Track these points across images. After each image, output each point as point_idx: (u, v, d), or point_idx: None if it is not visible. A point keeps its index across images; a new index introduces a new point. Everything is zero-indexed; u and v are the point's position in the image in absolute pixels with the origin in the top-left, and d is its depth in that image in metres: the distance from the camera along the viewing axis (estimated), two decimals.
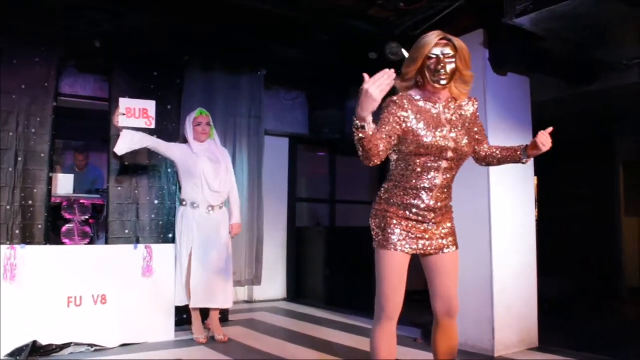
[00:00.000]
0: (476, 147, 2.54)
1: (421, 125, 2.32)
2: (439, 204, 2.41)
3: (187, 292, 4.33)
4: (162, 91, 4.83)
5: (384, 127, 2.27)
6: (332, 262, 6.77)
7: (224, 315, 5.03)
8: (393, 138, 2.29)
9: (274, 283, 6.51)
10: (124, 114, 4.11)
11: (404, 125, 2.31)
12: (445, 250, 2.45)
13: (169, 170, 4.88)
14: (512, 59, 4.16)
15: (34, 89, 4.31)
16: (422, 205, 2.38)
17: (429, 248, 2.41)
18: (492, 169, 4.06)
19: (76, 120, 6.01)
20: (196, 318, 4.42)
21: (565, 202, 7.26)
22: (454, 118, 2.41)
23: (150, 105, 4.24)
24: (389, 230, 2.38)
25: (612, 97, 5.26)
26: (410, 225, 2.38)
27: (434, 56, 2.29)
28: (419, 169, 2.36)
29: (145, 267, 4.30)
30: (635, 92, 4.80)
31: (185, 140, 4.52)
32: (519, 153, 2.46)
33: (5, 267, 3.74)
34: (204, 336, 4.37)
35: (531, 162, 4.40)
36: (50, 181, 4.34)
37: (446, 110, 2.41)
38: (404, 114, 2.32)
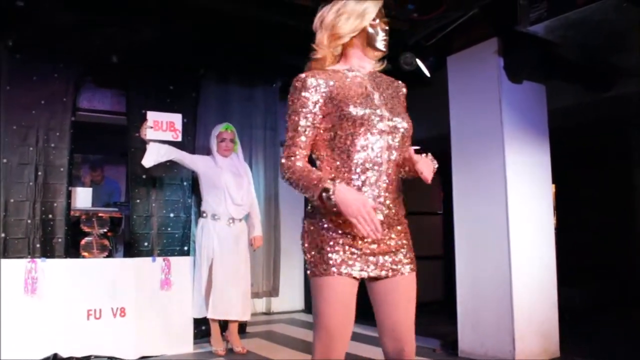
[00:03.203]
0: None
1: (344, 92, 1.85)
2: (388, 201, 1.83)
3: (206, 303, 4.35)
4: (178, 104, 4.85)
5: (299, 127, 1.88)
6: None
7: (242, 327, 5.03)
8: (311, 130, 1.88)
9: (291, 295, 6.49)
10: (152, 127, 4.16)
11: (321, 97, 1.87)
12: (400, 273, 1.85)
13: (185, 183, 4.90)
14: (528, 66, 4.14)
15: (53, 104, 4.39)
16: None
17: (378, 269, 1.82)
18: (510, 176, 4.04)
19: (94, 134, 6.09)
20: (215, 330, 4.43)
21: (584, 209, 7.16)
22: (383, 86, 1.99)
23: (177, 119, 4.31)
24: (327, 249, 1.78)
25: (630, 103, 5.20)
26: (354, 240, 1.79)
27: (379, 21, 1.96)
28: (354, 155, 1.81)
29: (163, 279, 4.32)
30: None
31: (209, 152, 4.56)
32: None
33: (26, 280, 3.79)
34: (222, 348, 4.38)
35: (549, 169, 4.42)
36: (69, 195, 4.40)
37: (372, 78, 1.98)
38: (316, 81, 1.89)
